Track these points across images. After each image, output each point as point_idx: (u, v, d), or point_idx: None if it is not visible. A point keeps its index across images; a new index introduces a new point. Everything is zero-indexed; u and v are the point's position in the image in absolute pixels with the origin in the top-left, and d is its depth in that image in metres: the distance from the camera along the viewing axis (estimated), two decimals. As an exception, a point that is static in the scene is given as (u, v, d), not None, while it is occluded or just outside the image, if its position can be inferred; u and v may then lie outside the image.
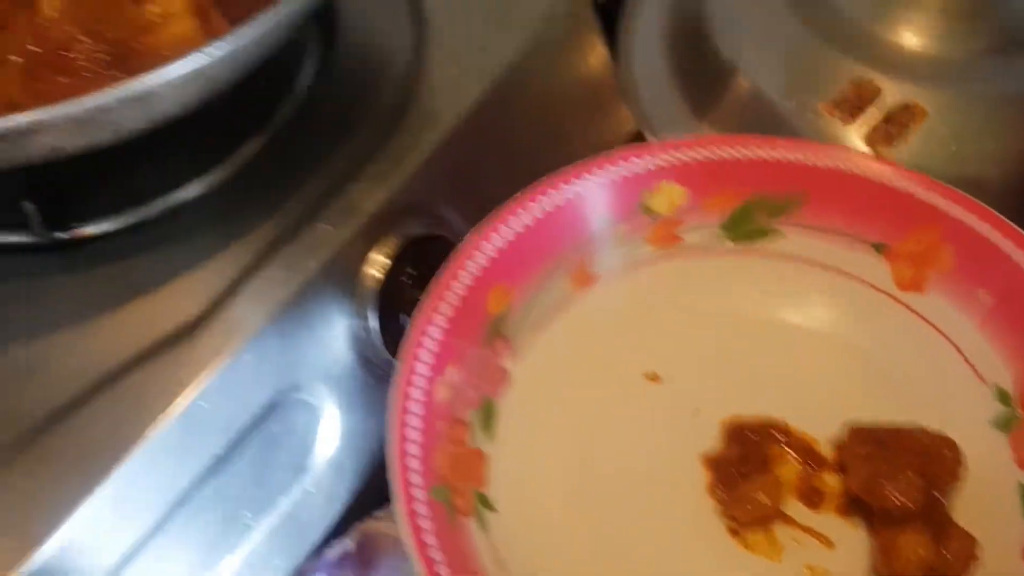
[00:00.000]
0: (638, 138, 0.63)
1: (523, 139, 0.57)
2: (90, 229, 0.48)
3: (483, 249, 0.42)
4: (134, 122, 0.40)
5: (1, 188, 0.46)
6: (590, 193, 0.45)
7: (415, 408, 0.38)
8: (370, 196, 0.49)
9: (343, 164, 0.51)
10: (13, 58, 0.46)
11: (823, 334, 0.48)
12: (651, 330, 0.47)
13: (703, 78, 0.64)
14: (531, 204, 0.43)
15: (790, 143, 0.48)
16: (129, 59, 0.46)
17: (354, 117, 0.53)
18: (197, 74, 0.38)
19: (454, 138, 0.52)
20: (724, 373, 0.47)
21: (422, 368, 0.39)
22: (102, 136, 0.40)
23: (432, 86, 0.53)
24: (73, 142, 0.40)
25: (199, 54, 0.38)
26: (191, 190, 0.49)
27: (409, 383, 0.39)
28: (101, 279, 0.47)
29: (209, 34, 0.47)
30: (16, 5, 0.48)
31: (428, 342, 0.40)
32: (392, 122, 0.52)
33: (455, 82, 0.53)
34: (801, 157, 0.47)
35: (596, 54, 0.60)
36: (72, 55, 0.45)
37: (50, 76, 0.45)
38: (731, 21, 0.63)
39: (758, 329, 0.47)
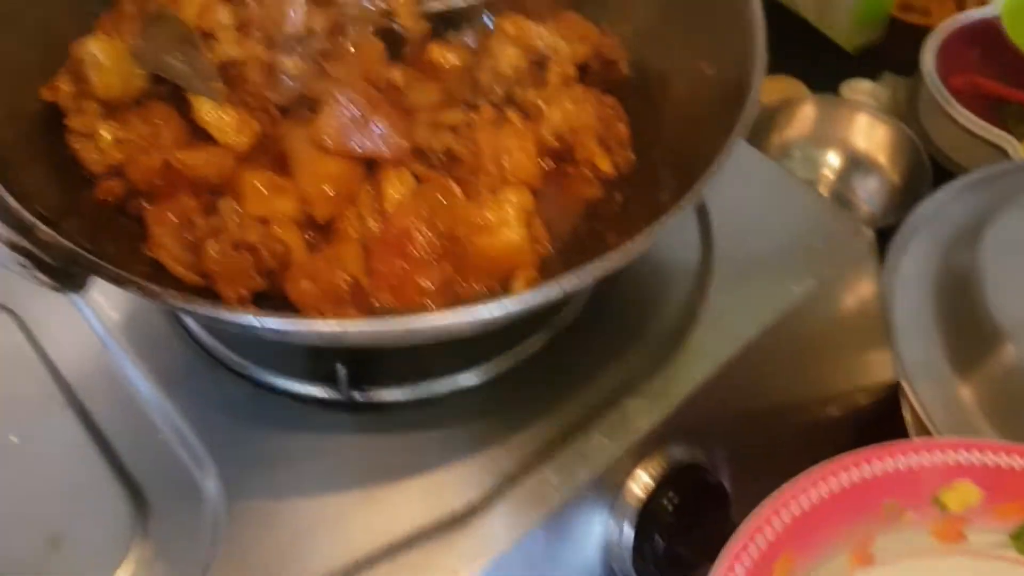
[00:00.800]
0: (897, 385, 0.62)
1: (788, 375, 0.58)
2: (383, 395, 0.51)
3: (781, 515, 0.43)
4: (468, 332, 0.44)
5: (322, 351, 0.50)
6: (888, 476, 0.45)
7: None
8: (644, 414, 0.51)
9: (619, 376, 0.53)
10: (352, 232, 0.51)
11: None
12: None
13: (968, 335, 0.63)
14: (831, 478, 0.44)
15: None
16: (459, 255, 0.49)
17: (634, 331, 0.55)
18: (544, 301, 0.41)
19: (728, 370, 0.53)
20: None
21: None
22: (438, 338, 0.44)
23: (713, 314, 0.55)
24: (416, 341, 0.44)
25: (555, 287, 0.40)
26: (474, 376, 0.52)
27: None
28: (386, 447, 0.50)
29: (532, 239, 0.50)
30: (362, 178, 0.52)
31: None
32: (671, 342, 0.54)
33: (736, 315, 0.55)
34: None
35: (869, 296, 0.61)
36: (410, 242, 0.49)
37: (389, 258, 0.49)
38: (1006, 284, 0.62)
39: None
